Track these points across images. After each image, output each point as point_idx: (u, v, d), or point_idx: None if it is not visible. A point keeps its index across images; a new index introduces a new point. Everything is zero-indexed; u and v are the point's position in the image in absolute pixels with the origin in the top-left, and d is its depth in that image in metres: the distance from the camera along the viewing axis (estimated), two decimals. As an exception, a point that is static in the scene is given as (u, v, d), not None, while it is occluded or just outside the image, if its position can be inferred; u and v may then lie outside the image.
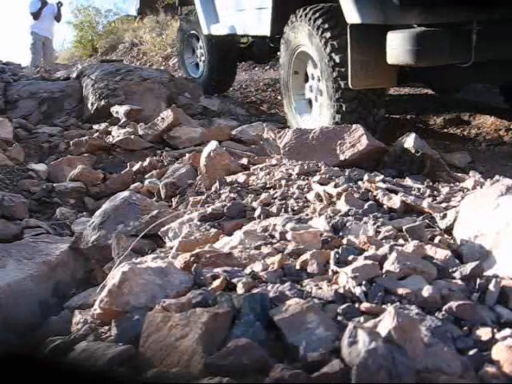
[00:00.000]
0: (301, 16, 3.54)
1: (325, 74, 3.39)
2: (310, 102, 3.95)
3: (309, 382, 0.92)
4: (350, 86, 3.16)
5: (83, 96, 5.51)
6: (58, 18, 10.13)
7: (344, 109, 3.33)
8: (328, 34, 3.28)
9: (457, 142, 4.64)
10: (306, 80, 3.94)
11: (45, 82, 5.94)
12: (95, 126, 4.66)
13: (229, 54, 5.78)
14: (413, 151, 2.37)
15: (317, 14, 3.38)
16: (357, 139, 2.42)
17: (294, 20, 3.66)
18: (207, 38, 5.71)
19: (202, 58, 6.26)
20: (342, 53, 3.20)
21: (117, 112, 4.77)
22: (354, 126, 2.50)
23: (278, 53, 4.19)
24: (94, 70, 5.71)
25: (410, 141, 2.41)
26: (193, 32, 6.14)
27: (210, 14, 5.28)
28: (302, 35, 3.56)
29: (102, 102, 5.17)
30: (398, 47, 2.77)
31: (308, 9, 3.47)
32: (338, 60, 3.24)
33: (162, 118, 4.08)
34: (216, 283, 1.27)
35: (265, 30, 4.11)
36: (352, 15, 2.97)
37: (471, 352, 0.99)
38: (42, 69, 7.16)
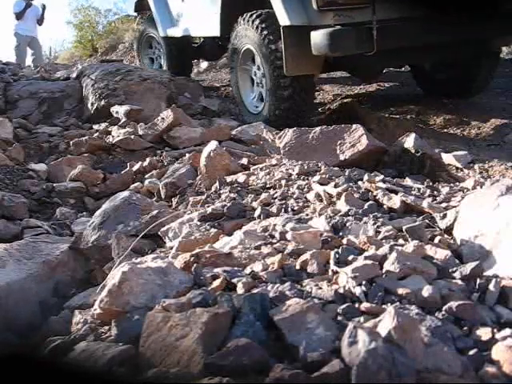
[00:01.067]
0: (245, 20, 4.33)
1: (266, 66, 4.21)
2: (261, 96, 4.64)
3: (309, 382, 0.92)
4: (286, 74, 3.95)
5: (83, 96, 5.51)
6: (40, 21, 9.96)
7: (282, 92, 4.14)
8: (266, 34, 4.10)
9: (457, 142, 4.64)
10: (252, 80, 4.72)
11: (45, 82, 5.94)
12: (95, 126, 4.66)
13: (183, 52, 6.43)
14: (413, 151, 2.38)
15: (258, 19, 4.19)
16: (357, 139, 2.42)
17: (240, 23, 4.44)
18: (163, 39, 6.41)
19: (157, 53, 6.98)
20: (277, 47, 4.01)
21: (117, 112, 4.77)
22: (354, 126, 2.51)
23: (226, 53, 5.02)
24: (93, 70, 5.71)
25: (410, 141, 2.41)
26: (151, 34, 6.85)
27: (166, 18, 6.06)
28: (247, 36, 4.36)
29: (102, 102, 5.17)
30: (318, 42, 3.56)
31: (250, 14, 4.27)
32: (275, 54, 4.06)
33: (162, 118, 4.08)
34: (216, 283, 1.27)
35: (215, 31, 4.97)
36: (283, 19, 3.80)
37: (471, 352, 0.99)
38: (42, 69, 7.15)
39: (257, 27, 4.17)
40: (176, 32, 5.91)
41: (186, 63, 6.69)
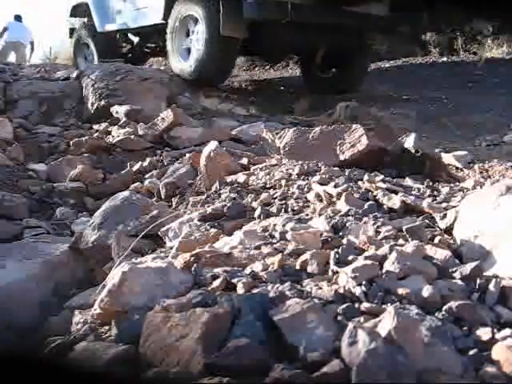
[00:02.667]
0: None
1: (205, 27, 5.37)
2: (188, 50, 5.84)
3: (309, 382, 0.92)
4: (222, 34, 5.15)
5: (83, 96, 5.50)
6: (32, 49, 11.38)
7: (213, 49, 5.34)
8: (209, 4, 5.25)
9: (457, 142, 4.64)
10: (187, 35, 5.87)
11: (45, 82, 5.94)
12: (95, 126, 4.65)
13: (113, 54, 7.30)
14: (413, 151, 2.37)
15: None
16: (357, 139, 2.42)
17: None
18: (94, 41, 7.50)
19: (90, 58, 7.94)
20: (216, 12, 5.19)
21: (117, 112, 4.77)
22: (354, 126, 2.51)
23: (150, 58, 6.76)
24: (93, 70, 5.70)
25: (409, 141, 2.41)
26: (84, 41, 7.89)
27: (104, 15, 7.06)
28: (193, 4, 5.49)
29: (102, 102, 5.16)
30: (250, 8, 4.86)
31: None
32: (214, 17, 5.19)
33: (162, 118, 4.08)
34: (216, 283, 1.27)
35: (159, 17, 5.92)
36: None
37: (471, 352, 0.99)
38: (41, 69, 7.15)
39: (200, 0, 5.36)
40: (114, 26, 6.96)
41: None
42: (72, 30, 8.14)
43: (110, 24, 7.02)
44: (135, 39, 7.34)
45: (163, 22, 5.86)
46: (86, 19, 7.62)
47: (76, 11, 7.91)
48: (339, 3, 5.18)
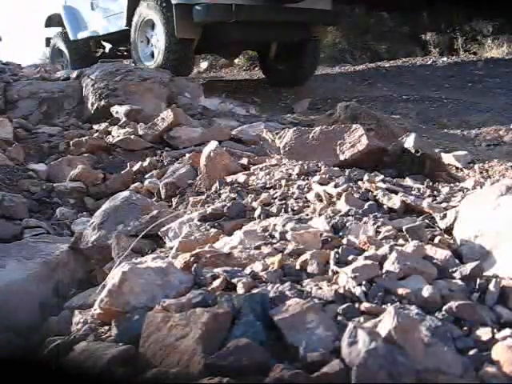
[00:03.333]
0: (148, 1, 6.04)
1: (162, 30, 5.96)
2: (152, 54, 6.41)
3: (309, 382, 0.92)
4: (176, 36, 5.77)
5: (83, 96, 5.49)
6: None
7: (172, 50, 5.91)
8: (164, 8, 5.84)
9: (457, 142, 4.64)
10: (148, 41, 6.48)
11: (45, 81, 5.93)
12: (95, 126, 4.65)
13: (84, 60, 7.86)
14: (413, 151, 2.37)
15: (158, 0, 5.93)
16: (357, 139, 2.42)
17: (144, 4, 6.15)
18: (68, 48, 8.16)
19: (65, 63, 8.54)
20: (171, 17, 5.78)
21: (117, 112, 4.76)
22: (354, 126, 2.51)
23: (123, 57, 7.34)
24: (93, 70, 5.70)
25: (409, 141, 2.41)
26: (59, 47, 8.58)
27: (76, 25, 7.73)
28: (150, 9, 6.09)
29: (102, 102, 5.16)
30: (199, 13, 5.54)
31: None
32: (167, 22, 5.84)
33: (162, 118, 4.08)
34: (216, 283, 1.27)
35: (121, 24, 6.60)
36: None
37: (471, 352, 0.99)
38: (41, 69, 7.15)
39: (159, 4, 5.94)
40: (85, 34, 7.63)
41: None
42: (48, 39, 8.83)
43: (81, 32, 7.69)
44: (107, 44, 7.98)
45: (127, 27, 6.54)
46: (60, 28, 8.33)
47: (51, 21, 8.57)
48: (281, 2, 5.85)
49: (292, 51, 6.55)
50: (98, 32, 7.37)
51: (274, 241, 1.53)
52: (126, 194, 2.42)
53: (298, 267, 1.32)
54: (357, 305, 1.12)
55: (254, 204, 1.91)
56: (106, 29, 7.17)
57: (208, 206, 1.96)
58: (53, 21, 8.46)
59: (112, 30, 7.05)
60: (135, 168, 3.38)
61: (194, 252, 1.44)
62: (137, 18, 6.32)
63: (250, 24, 5.82)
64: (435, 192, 1.90)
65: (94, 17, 7.42)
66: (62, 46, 8.42)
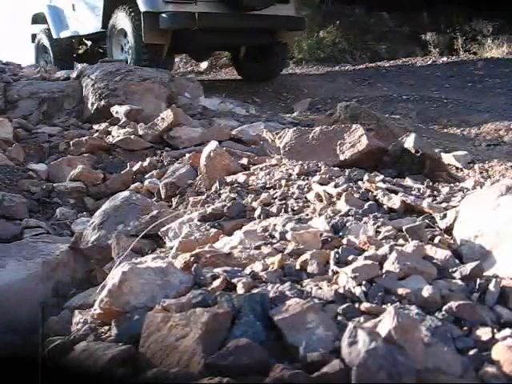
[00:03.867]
0: (120, 10, 6.54)
1: (132, 37, 6.43)
2: (126, 61, 6.69)
3: (309, 382, 0.92)
4: (144, 42, 6.20)
5: (83, 96, 5.49)
6: None
7: (142, 55, 6.26)
8: (134, 16, 6.30)
9: (457, 142, 4.64)
10: (122, 48, 6.95)
11: (45, 81, 5.93)
12: (95, 126, 4.65)
13: (66, 56, 8.50)
14: (413, 151, 2.37)
15: (129, 8, 6.38)
16: (357, 139, 2.42)
17: (116, 12, 6.63)
18: (52, 45, 8.53)
19: (49, 59, 8.92)
20: (140, 25, 6.23)
21: (117, 112, 4.76)
22: (354, 126, 2.51)
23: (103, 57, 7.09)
24: (93, 70, 5.69)
25: (409, 141, 2.41)
26: (44, 43, 9.00)
27: (59, 24, 8.12)
28: (122, 19, 6.56)
29: (102, 102, 5.16)
30: (165, 20, 6.00)
31: (124, 6, 6.48)
32: (137, 29, 6.29)
33: (162, 118, 4.08)
34: (216, 283, 1.27)
35: (99, 26, 7.08)
36: (142, 7, 6.15)
37: (471, 352, 0.99)
38: (41, 69, 7.15)
39: (129, 13, 6.40)
40: (67, 33, 8.05)
41: (68, 66, 8.32)
42: (34, 36, 9.23)
43: (64, 31, 8.11)
44: (88, 42, 8.42)
45: (104, 30, 7.06)
46: (45, 26, 8.67)
47: (37, 19, 8.98)
48: (244, 10, 6.26)
49: (260, 52, 7.00)
50: (78, 32, 7.83)
51: (274, 241, 1.53)
52: (125, 194, 2.42)
53: (298, 267, 1.32)
54: (357, 305, 1.12)
55: (254, 204, 1.91)
56: (86, 29, 7.63)
57: (208, 206, 1.96)
58: (38, 18, 8.88)
59: (91, 31, 7.51)
60: (135, 168, 3.38)
61: (193, 252, 1.44)
62: (110, 26, 6.85)
63: (214, 30, 6.28)
64: (435, 192, 1.89)
65: (75, 17, 7.83)
66: (46, 42, 8.82)
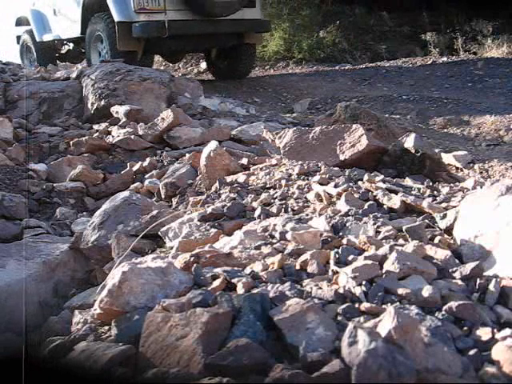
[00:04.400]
0: (97, 18, 7.00)
1: (107, 44, 6.88)
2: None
3: (309, 382, 0.92)
4: (119, 48, 6.59)
5: (83, 96, 5.50)
6: None
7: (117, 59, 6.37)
8: (109, 25, 6.73)
9: (457, 142, 4.64)
10: (100, 54, 7.39)
11: (45, 81, 5.94)
12: (95, 126, 4.65)
13: (50, 56, 8.91)
14: (413, 151, 2.37)
15: (104, 17, 6.83)
16: (357, 139, 2.42)
17: (93, 20, 7.09)
18: (36, 46, 8.92)
19: (33, 58, 9.36)
20: (114, 33, 6.64)
21: (117, 112, 4.76)
22: (354, 126, 2.51)
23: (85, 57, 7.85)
24: (94, 70, 5.70)
25: (409, 141, 2.41)
26: (28, 44, 9.40)
27: (42, 28, 8.58)
28: (98, 26, 7.00)
29: (102, 102, 5.16)
30: (137, 29, 6.42)
31: (100, 15, 6.92)
32: (112, 36, 6.69)
33: (162, 118, 4.08)
34: (216, 283, 1.27)
35: (77, 32, 7.55)
36: (116, 16, 6.59)
37: (471, 352, 0.99)
38: (41, 69, 7.16)
39: (104, 21, 6.82)
40: (49, 37, 8.51)
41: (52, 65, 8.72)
42: (18, 37, 9.66)
43: (46, 34, 8.57)
44: (71, 44, 8.87)
45: (83, 35, 7.53)
46: (29, 28, 9.06)
47: (20, 21, 9.44)
48: (211, 16, 6.75)
49: (230, 53, 7.53)
50: (60, 36, 8.32)
51: (274, 241, 1.53)
52: (125, 194, 2.42)
53: (298, 267, 1.32)
54: (357, 305, 1.12)
55: (254, 204, 1.91)
56: (66, 34, 8.11)
57: (208, 206, 1.96)
58: (22, 21, 9.34)
59: (71, 35, 7.98)
60: (135, 168, 3.38)
61: (193, 252, 1.44)
62: (88, 33, 7.29)
63: (183, 36, 6.83)
64: (435, 192, 1.89)
65: (56, 22, 8.30)
66: (30, 43, 9.24)
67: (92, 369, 1.10)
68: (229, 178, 2.33)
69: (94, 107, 5.24)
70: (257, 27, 7.30)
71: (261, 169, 2.41)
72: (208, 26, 6.78)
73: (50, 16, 8.36)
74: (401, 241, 1.42)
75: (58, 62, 9.04)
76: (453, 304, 1.09)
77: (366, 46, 9.89)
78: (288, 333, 1.05)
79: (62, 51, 8.95)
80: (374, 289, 1.16)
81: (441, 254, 1.29)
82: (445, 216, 1.56)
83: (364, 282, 1.17)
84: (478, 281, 1.18)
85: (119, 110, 4.74)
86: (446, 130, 5.08)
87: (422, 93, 6.38)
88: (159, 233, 1.97)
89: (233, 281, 1.27)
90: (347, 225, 1.57)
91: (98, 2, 6.90)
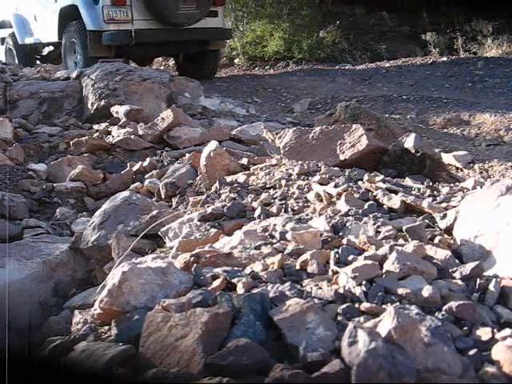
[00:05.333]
0: (71, 26, 7.53)
1: (80, 50, 7.43)
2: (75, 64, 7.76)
3: (309, 382, 0.92)
4: (89, 55, 7.12)
5: (83, 96, 5.50)
6: None
7: (87, 66, 6.63)
8: (82, 33, 7.26)
9: (457, 142, 4.64)
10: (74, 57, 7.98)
11: (45, 82, 5.94)
12: (95, 126, 4.65)
13: (33, 58, 9.57)
14: (413, 151, 2.37)
15: (77, 25, 7.37)
16: (357, 139, 2.42)
17: (68, 28, 7.64)
18: (17, 48, 9.51)
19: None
20: (86, 40, 7.18)
21: (117, 112, 4.76)
22: (354, 126, 2.51)
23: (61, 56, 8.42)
24: (94, 70, 5.70)
25: (409, 141, 2.41)
26: (10, 47, 10.01)
27: (23, 32, 9.15)
28: (73, 33, 7.55)
29: (102, 102, 5.16)
30: (107, 37, 7.00)
31: (73, 23, 7.44)
32: (84, 43, 7.25)
33: (162, 118, 4.08)
34: (216, 283, 1.27)
35: (55, 37, 8.06)
36: (88, 25, 7.14)
37: (471, 352, 0.99)
38: (41, 69, 7.17)
39: (78, 29, 7.35)
40: (31, 40, 9.09)
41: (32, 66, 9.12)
42: (3, 39, 10.20)
43: (28, 38, 9.13)
44: (51, 47, 9.43)
45: (60, 40, 8.03)
46: (12, 30, 9.56)
47: (4, 24, 9.97)
48: (175, 26, 7.37)
49: (196, 57, 8.17)
50: (40, 40, 8.93)
51: (274, 241, 1.53)
52: (125, 194, 2.42)
53: (298, 267, 1.32)
54: (357, 305, 1.12)
55: (254, 204, 1.91)
56: (46, 38, 8.68)
57: (208, 206, 1.96)
58: (6, 24, 9.92)
59: (49, 40, 8.56)
60: (135, 168, 3.38)
61: (193, 252, 1.44)
62: (64, 38, 7.85)
63: (150, 43, 7.43)
64: (435, 192, 1.89)
65: (36, 27, 8.88)
66: (12, 46, 9.84)
67: (92, 369, 1.10)
68: (229, 178, 2.33)
69: (94, 107, 5.24)
70: (218, 35, 8.02)
71: (261, 169, 2.41)
72: (172, 34, 7.47)
73: (31, 21, 9.01)
74: (401, 241, 1.42)
75: (38, 62, 9.53)
76: (453, 304, 1.09)
77: (366, 45, 9.89)
78: (288, 333, 1.05)
79: (44, 53, 9.60)
80: (374, 289, 1.16)
81: (441, 254, 1.29)
82: (445, 216, 1.56)
83: (364, 282, 1.17)
84: (478, 281, 1.18)
85: (119, 110, 4.74)
86: (445, 130, 5.08)
87: (422, 93, 6.37)
88: (159, 233, 1.97)
89: (233, 281, 1.27)
90: (347, 225, 1.57)
91: (72, 12, 7.44)
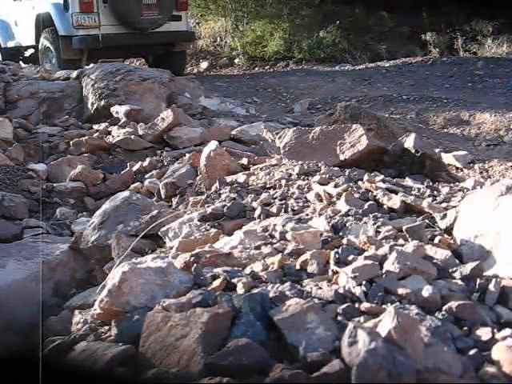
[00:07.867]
0: (46, 32, 8.22)
1: (54, 53, 8.12)
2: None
3: (309, 382, 0.92)
4: (62, 57, 7.85)
5: (83, 96, 5.49)
6: None
7: (61, 67, 7.40)
8: (54, 37, 8.00)
9: (457, 142, 4.64)
10: (51, 62, 8.53)
11: (45, 82, 5.93)
12: (95, 126, 4.64)
13: (16, 59, 9.94)
14: (413, 151, 2.37)
15: (51, 31, 8.12)
16: (357, 139, 2.42)
17: (44, 34, 8.29)
18: (1, 52, 10.07)
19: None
20: (59, 44, 7.91)
21: (117, 112, 4.76)
22: (354, 126, 2.51)
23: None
24: (93, 70, 5.69)
25: (409, 141, 2.41)
26: None
27: (6, 35, 9.81)
28: (47, 39, 8.24)
29: (102, 102, 5.15)
30: (76, 42, 7.69)
31: (47, 29, 8.23)
32: (57, 47, 7.96)
33: (162, 118, 4.07)
34: (216, 283, 1.27)
35: (32, 41, 8.80)
36: (60, 31, 7.85)
37: (471, 352, 0.99)
38: (41, 69, 7.17)
39: (51, 35, 8.05)
40: (12, 44, 9.83)
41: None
42: None
43: (10, 42, 9.83)
44: (32, 49, 10.03)
45: (37, 44, 8.69)
46: None
47: None
48: (141, 30, 8.01)
49: (164, 58, 8.77)
50: (20, 43, 9.66)
51: (274, 241, 1.53)
52: (125, 194, 2.42)
53: (298, 267, 1.32)
54: (357, 305, 1.12)
55: (254, 204, 1.91)
56: (25, 42, 9.38)
57: (208, 206, 1.96)
58: None
59: (28, 44, 9.28)
60: (135, 168, 3.38)
61: (194, 252, 1.44)
62: (40, 43, 8.50)
63: (117, 46, 8.10)
64: (435, 192, 1.89)
65: (17, 31, 9.62)
66: None
67: (92, 369, 1.10)
68: (229, 178, 2.33)
69: (94, 107, 5.23)
70: (182, 38, 8.78)
71: (261, 169, 2.41)
72: (138, 37, 8.17)
73: (13, 26, 9.75)
74: (401, 241, 1.42)
75: (21, 63, 10.01)
76: (453, 304, 1.09)
77: (365, 46, 9.88)
78: (288, 333, 1.05)
79: (26, 54, 10.19)
80: (374, 289, 1.16)
81: (441, 254, 1.29)
82: (445, 216, 1.56)
83: (364, 282, 1.17)
84: (478, 281, 1.18)
85: (119, 110, 4.74)
86: (446, 130, 5.08)
87: (422, 93, 6.37)
88: (159, 233, 1.97)
89: (233, 281, 1.27)
90: (347, 225, 1.57)
91: (46, 19, 8.17)
